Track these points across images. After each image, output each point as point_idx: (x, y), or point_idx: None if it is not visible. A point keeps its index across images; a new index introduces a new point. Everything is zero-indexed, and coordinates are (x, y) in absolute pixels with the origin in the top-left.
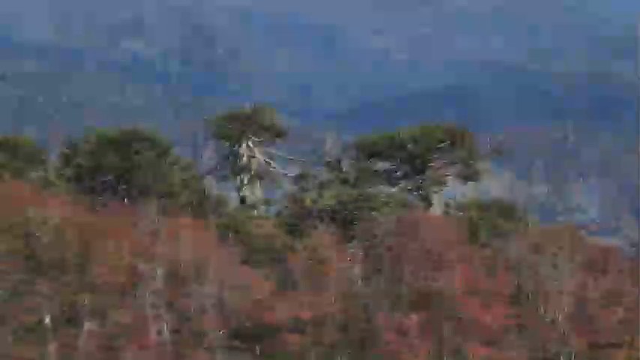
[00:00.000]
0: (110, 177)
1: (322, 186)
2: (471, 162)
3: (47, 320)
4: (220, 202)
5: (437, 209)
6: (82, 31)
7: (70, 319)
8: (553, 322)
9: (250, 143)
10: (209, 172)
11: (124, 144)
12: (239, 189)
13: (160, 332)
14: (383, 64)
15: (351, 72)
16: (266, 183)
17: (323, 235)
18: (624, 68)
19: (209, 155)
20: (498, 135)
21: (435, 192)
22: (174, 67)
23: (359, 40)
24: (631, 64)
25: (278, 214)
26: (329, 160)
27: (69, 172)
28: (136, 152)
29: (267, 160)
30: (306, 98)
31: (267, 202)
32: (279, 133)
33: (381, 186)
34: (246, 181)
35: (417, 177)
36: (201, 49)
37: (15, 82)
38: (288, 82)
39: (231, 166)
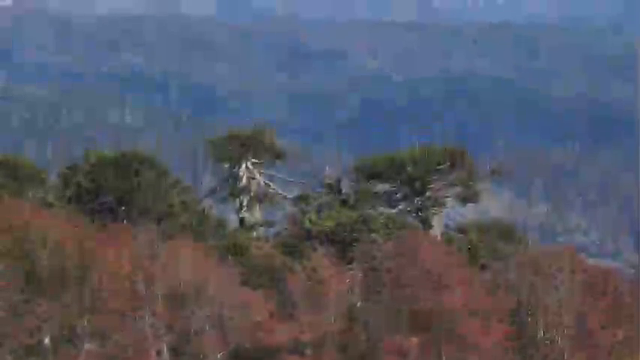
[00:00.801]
0: (110, 198)
1: (322, 208)
2: (471, 183)
3: (47, 341)
4: (220, 224)
5: (436, 231)
6: (82, 50)
7: (70, 340)
8: (552, 342)
9: (250, 165)
10: (209, 194)
11: (124, 165)
12: (238, 210)
13: (159, 353)
14: (381, 82)
15: (351, 89)
16: (265, 204)
17: (322, 257)
18: (623, 88)
19: (208, 176)
20: (498, 155)
21: (435, 214)
22: (174, 85)
23: (357, 61)
24: (630, 84)
25: (277, 235)
26: (328, 181)
27: (68, 192)
28: (136, 173)
29: (266, 181)
30: (306, 114)
31: (266, 224)
32: (278, 155)
33: (381, 208)
34: (245, 203)
35: (417, 199)
36: (201, 67)
37: (15, 102)
38: (288, 100)
39: (231, 188)
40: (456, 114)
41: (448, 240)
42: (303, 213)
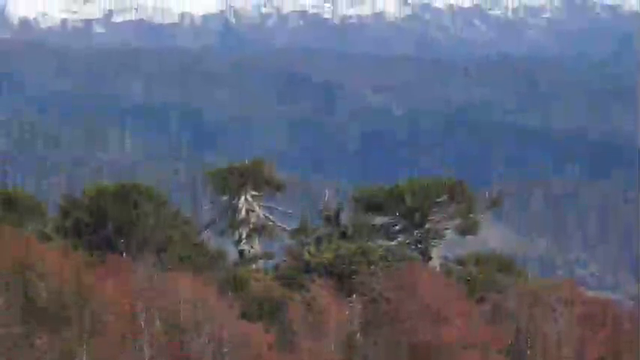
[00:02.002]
0: (109, 230)
1: (320, 240)
2: (470, 215)
3: None
4: (219, 256)
5: (435, 263)
6: (81, 82)
7: None
8: None
9: (249, 197)
10: (208, 226)
11: (123, 197)
12: (237, 243)
13: None
14: (380, 114)
15: (350, 120)
16: (264, 237)
17: (321, 289)
18: (622, 120)
19: (208, 208)
20: (497, 186)
21: (434, 246)
22: (174, 116)
23: (356, 92)
24: (629, 116)
25: (276, 267)
26: (327, 213)
27: (67, 225)
28: (135, 205)
29: (265, 213)
30: (305, 145)
31: (265, 256)
32: (278, 187)
33: (380, 240)
34: (244, 235)
35: (416, 231)
36: (201, 97)
37: (14, 132)
38: (287, 131)
39: (230, 220)
40: (456, 146)
41: (447, 272)
42: (302, 245)
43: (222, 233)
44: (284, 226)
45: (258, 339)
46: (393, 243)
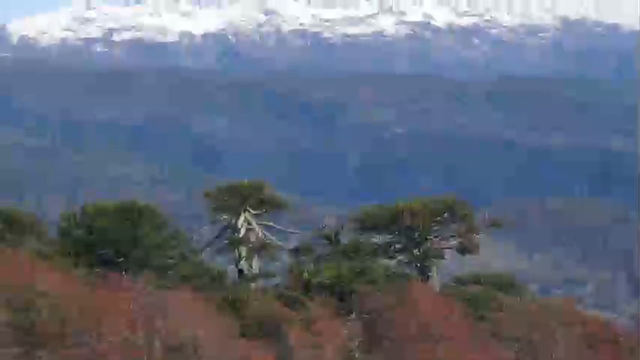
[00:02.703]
0: (109, 250)
1: (320, 259)
2: (470, 235)
3: None
4: (219, 275)
5: (435, 282)
6: (81, 101)
7: None
8: None
9: (249, 216)
10: (207, 245)
11: (123, 217)
12: (237, 262)
13: None
14: (381, 134)
15: (351, 140)
16: (264, 256)
17: (321, 308)
18: (622, 141)
19: (207, 228)
20: (497, 206)
21: (434, 265)
22: (174, 136)
23: (357, 113)
24: (630, 138)
25: (276, 286)
26: (327, 233)
27: (67, 244)
28: (135, 225)
29: (265, 233)
30: (306, 165)
31: (265, 275)
32: (277, 206)
33: (380, 259)
34: (244, 254)
35: (416, 250)
36: (201, 119)
37: (14, 152)
38: (288, 150)
39: (230, 239)
40: (456, 165)
41: (447, 291)
42: (302, 264)
43: (221, 252)
44: (284, 245)
45: (258, 358)
46: (393, 262)
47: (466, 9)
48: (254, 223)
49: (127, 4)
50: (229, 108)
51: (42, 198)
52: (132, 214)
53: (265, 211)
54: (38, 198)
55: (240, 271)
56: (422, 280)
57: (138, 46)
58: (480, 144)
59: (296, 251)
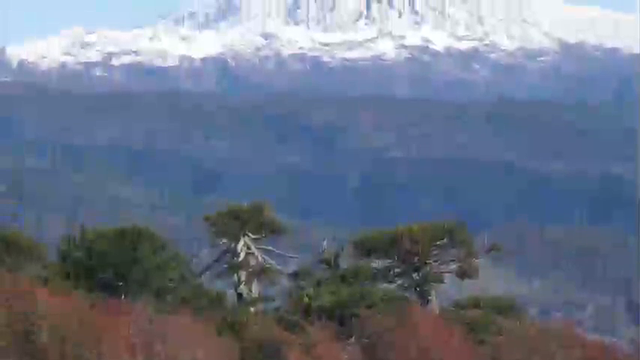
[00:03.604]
0: (108, 273)
1: (320, 283)
2: (469, 259)
3: None
4: (218, 299)
5: (435, 307)
6: (82, 125)
7: None
8: None
9: (248, 240)
10: (207, 269)
11: (122, 240)
12: (236, 285)
13: None
14: (380, 157)
15: (350, 163)
16: (263, 280)
17: (321, 332)
18: (623, 162)
19: (207, 251)
20: (497, 231)
21: (433, 289)
22: (173, 159)
23: (357, 136)
24: (630, 164)
25: (276, 311)
26: (327, 257)
27: (66, 268)
28: (134, 248)
29: (264, 256)
30: (305, 188)
31: (264, 299)
32: (277, 230)
33: (379, 283)
34: (243, 278)
35: (415, 274)
36: (201, 142)
37: (15, 174)
38: (288, 173)
39: (229, 263)
40: (456, 188)
41: (446, 315)
42: (302, 288)
43: (221, 276)
44: (283, 269)
45: None
46: (392, 286)
47: (465, 33)
48: (253, 247)
49: (126, 28)
50: (229, 131)
51: (42, 219)
52: (131, 237)
53: (265, 236)
54: (38, 219)
55: (240, 295)
56: (421, 305)
57: (137, 69)
58: (480, 167)
59: (295, 275)
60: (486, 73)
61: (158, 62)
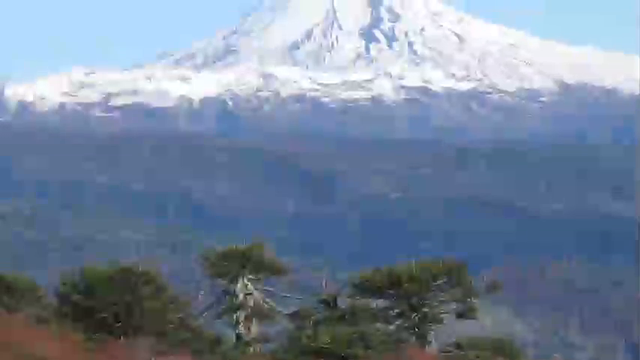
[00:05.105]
0: (106, 315)
1: (318, 323)
2: (468, 299)
3: None
4: (217, 340)
5: (433, 347)
6: (81, 166)
7: None
8: None
9: (247, 280)
10: (205, 310)
11: (121, 281)
12: (235, 326)
13: None
14: (379, 199)
15: (349, 204)
16: (262, 320)
17: None
18: (623, 203)
19: (206, 292)
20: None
21: (432, 330)
22: (173, 200)
23: (357, 180)
24: (631, 202)
25: (274, 351)
26: (325, 297)
27: (65, 309)
28: (133, 289)
29: (263, 297)
30: (305, 230)
31: (263, 340)
32: (277, 271)
33: (378, 323)
34: (242, 319)
35: (414, 314)
36: (200, 184)
37: (14, 219)
38: (287, 216)
39: (228, 304)
40: (455, 230)
41: (445, 356)
42: (300, 329)
43: (220, 317)
44: (282, 309)
45: None
46: (391, 327)
47: (464, 74)
48: (252, 288)
49: (125, 68)
50: (229, 172)
51: (41, 262)
52: (130, 278)
53: (264, 276)
54: (37, 262)
55: (238, 336)
56: (420, 345)
57: (137, 110)
58: (480, 207)
59: (295, 316)
60: (486, 114)
61: (157, 103)
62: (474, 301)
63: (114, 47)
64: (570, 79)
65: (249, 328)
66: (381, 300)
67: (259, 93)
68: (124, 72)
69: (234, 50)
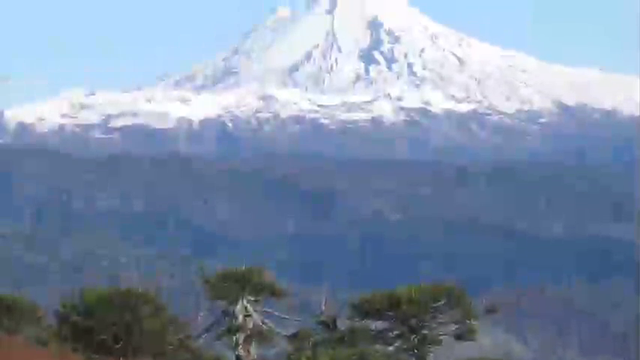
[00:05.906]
0: (105, 336)
1: (317, 345)
2: (467, 321)
3: None
4: None
5: None
6: (80, 188)
7: None
8: None
9: (246, 302)
10: (205, 332)
11: (120, 303)
12: (234, 348)
13: None
14: (379, 220)
15: (349, 225)
16: (261, 342)
17: None
18: (622, 224)
19: (205, 314)
20: (496, 293)
21: (431, 351)
22: (172, 224)
23: (357, 201)
24: (629, 221)
25: None
26: (324, 318)
27: (65, 330)
28: (132, 311)
29: (263, 319)
30: (304, 251)
31: None
32: (276, 292)
33: (377, 345)
34: (241, 340)
35: (413, 336)
36: (200, 207)
37: (14, 240)
38: (287, 238)
39: (227, 326)
40: (455, 252)
41: None
42: (299, 350)
43: (219, 338)
44: (282, 331)
45: None
46: (390, 349)
47: (464, 95)
48: (252, 310)
49: (125, 90)
50: (229, 193)
51: (41, 284)
52: (129, 300)
53: (264, 298)
54: (37, 284)
55: (238, 358)
56: None
57: (136, 132)
58: (479, 229)
59: (294, 337)
60: (485, 136)
61: (157, 124)
62: (474, 322)
63: (114, 69)
64: (570, 100)
65: (248, 350)
66: (380, 322)
67: (259, 114)
68: (123, 93)
69: (234, 72)
